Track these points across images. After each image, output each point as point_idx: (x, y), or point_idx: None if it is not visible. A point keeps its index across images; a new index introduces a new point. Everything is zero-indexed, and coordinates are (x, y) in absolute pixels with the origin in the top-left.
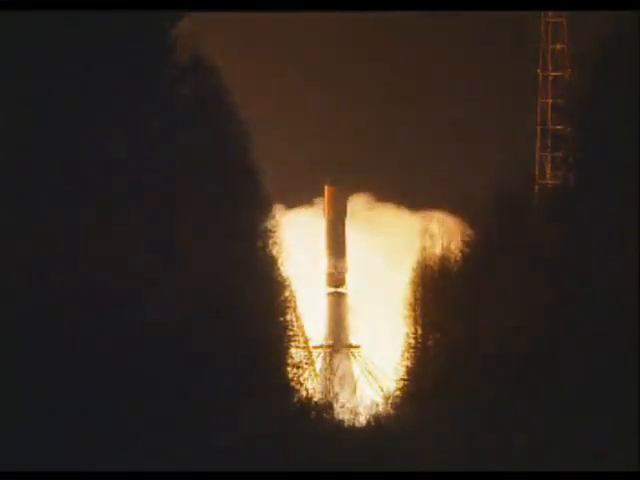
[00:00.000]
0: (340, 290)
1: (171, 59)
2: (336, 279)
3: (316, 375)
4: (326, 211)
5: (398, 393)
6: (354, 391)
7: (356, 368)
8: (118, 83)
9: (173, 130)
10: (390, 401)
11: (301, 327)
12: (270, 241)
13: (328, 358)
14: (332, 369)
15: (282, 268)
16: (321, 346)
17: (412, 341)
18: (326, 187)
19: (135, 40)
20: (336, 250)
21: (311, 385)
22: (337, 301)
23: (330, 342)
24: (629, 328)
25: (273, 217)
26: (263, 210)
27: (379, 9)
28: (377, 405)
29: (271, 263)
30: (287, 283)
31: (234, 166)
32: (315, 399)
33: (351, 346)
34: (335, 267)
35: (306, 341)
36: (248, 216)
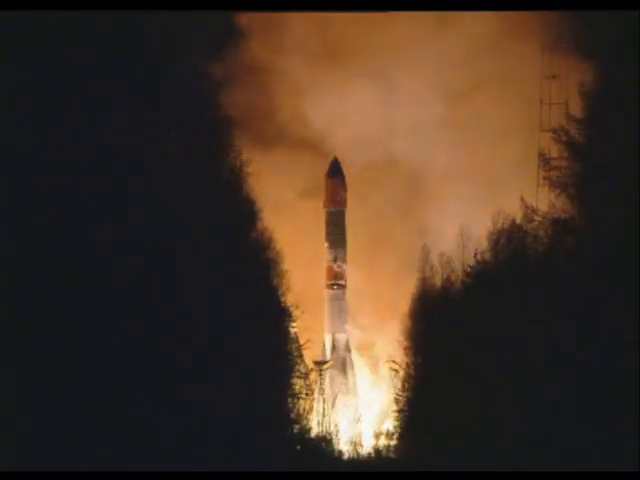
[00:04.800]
0: (340, 283)
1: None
2: (336, 272)
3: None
4: (326, 203)
5: (398, 424)
6: (356, 419)
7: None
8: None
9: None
10: (391, 432)
11: (301, 356)
12: (271, 272)
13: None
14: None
15: (283, 299)
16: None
17: (412, 372)
18: (326, 178)
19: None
20: (336, 242)
21: (311, 416)
22: (336, 294)
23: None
24: (628, 329)
25: (273, 248)
26: (263, 240)
27: (379, 9)
28: (378, 436)
29: (272, 293)
30: (288, 312)
31: (231, 198)
32: (315, 430)
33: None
34: (335, 260)
35: (307, 372)
36: (247, 246)
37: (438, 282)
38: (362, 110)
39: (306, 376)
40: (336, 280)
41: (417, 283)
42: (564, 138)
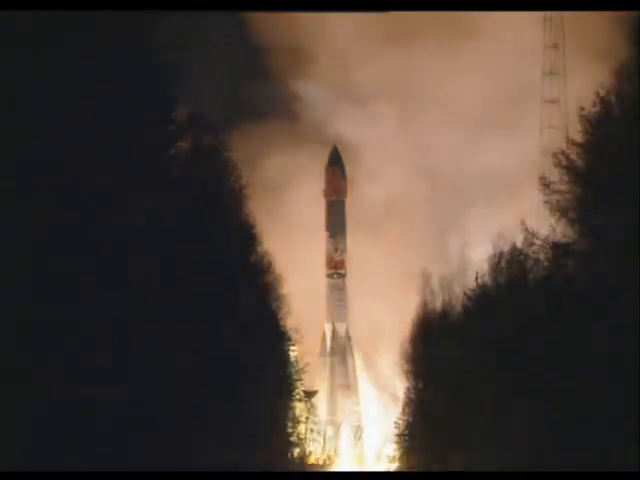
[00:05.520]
0: (340, 272)
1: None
2: (336, 261)
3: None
4: (326, 192)
5: (398, 447)
6: (358, 439)
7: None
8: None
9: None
10: (390, 455)
11: (300, 379)
12: (270, 296)
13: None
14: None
15: (282, 323)
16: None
17: (413, 396)
18: (327, 168)
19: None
20: (336, 232)
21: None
22: (336, 283)
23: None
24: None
25: (273, 272)
26: (262, 263)
27: (379, 9)
28: (378, 458)
29: (272, 317)
30: (287, 337)
31: (231, 223)
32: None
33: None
34: (335, 249)
35: (308, 395)
36: (247, 271)
37: (439, 306)
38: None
39: (306, 400)
40: (336, 269)
41: (418, 307)
42: (564, 162)
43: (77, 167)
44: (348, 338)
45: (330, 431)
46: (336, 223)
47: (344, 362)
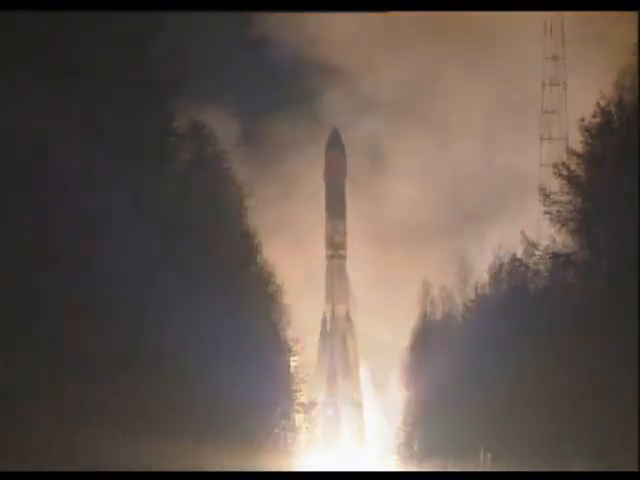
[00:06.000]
0: (339, 253)
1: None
2: (335, 242)
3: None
4: (326, 173)
5: (399, 457)
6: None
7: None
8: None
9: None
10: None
11: (300, 390)
12: (271, 306)
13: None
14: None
15: (282, 333)
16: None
17: (414, 407)
18: (326, 149)
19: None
20: (335, 212)
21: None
22: (336, 264)
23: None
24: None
25: (274, 282)
26: (263, 276)
27: (378, 9)
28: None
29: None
30: (286, 347)
31: (232, 231)
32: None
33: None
34: (335, 230)
35: (306, 408)
36: (247, 282)
37: (439, 316)
38: None
39: (306, 411)
40: (336, 250)
41: (418, 318)
42: (564, 173)
43: (75, 183)
44: (348, 319)
45: (330, 411)
46: (335, 204)
47: (344, 343)
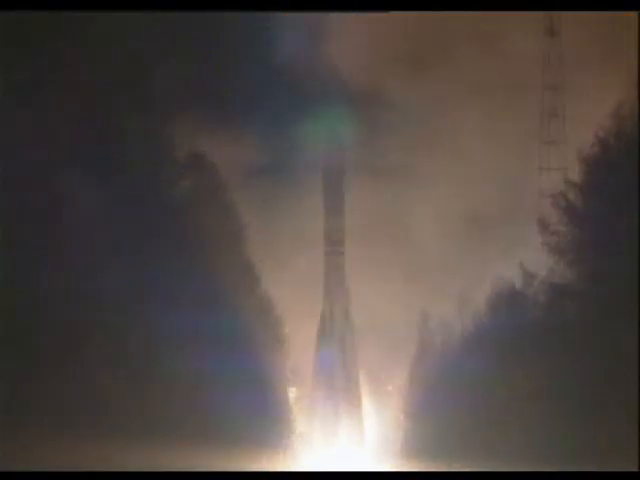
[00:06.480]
0: (338, 249)
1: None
2: (334, 238)
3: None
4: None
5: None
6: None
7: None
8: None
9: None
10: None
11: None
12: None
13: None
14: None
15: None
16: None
17: (412, 440)
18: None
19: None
20: (334, 207)
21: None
22: (335, 261)
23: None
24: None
25: (273, 313)
26: (263, 304)
27: (378, 9)
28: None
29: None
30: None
31: (230, 262)
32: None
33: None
34: (333, 225)
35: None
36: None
37: (437, 347)
38: None
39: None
40: (334, 247)
41: (415, 350)
42: (563, 203)
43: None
44: (347, 318)
45: (330, 410)
46: (334, 198)
47: (343, 342)
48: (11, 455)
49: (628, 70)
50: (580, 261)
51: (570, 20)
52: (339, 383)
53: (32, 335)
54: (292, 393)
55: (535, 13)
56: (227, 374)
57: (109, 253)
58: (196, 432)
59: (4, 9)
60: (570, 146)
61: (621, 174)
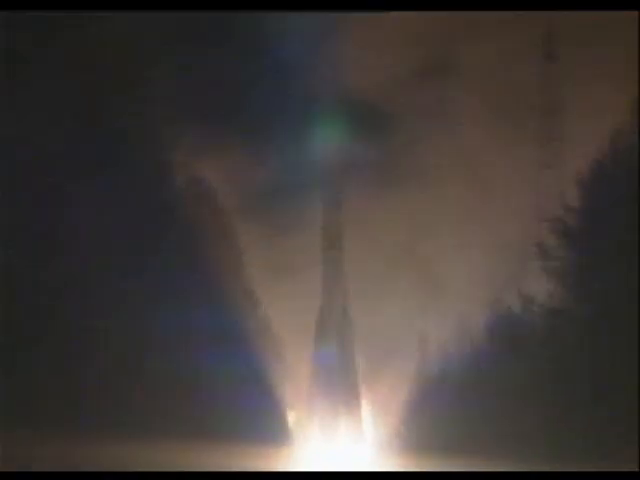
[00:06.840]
0: (337, 249)
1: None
2: (332, 233)
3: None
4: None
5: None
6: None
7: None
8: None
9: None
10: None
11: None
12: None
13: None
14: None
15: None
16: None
17: (409, 463)
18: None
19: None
20: (330, 202)
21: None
22: (332, 258)
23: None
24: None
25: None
26: (260, 327)
27: (378, 9)
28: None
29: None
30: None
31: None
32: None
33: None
34: (330, 220)
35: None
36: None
37: (436, 371)
38: None
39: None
40: (332, 242)
41: (415, 373)
42: (561, 228)
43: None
44: (347, 320)
45: (329, 409)
46: (330, 192)
47: (341, 342)
48: (11, 455)
49: (626, 92)
50: (579, 285)
51: (569, 43)
52: (338, 381)
53: (32, 335)
54: (291, 393)
55: (534, 16)
56: (225, 373)
57: (107, 269)
58: (196, 432)
59: (4, 9)
60: (568, 170)
61: (620, 197)
